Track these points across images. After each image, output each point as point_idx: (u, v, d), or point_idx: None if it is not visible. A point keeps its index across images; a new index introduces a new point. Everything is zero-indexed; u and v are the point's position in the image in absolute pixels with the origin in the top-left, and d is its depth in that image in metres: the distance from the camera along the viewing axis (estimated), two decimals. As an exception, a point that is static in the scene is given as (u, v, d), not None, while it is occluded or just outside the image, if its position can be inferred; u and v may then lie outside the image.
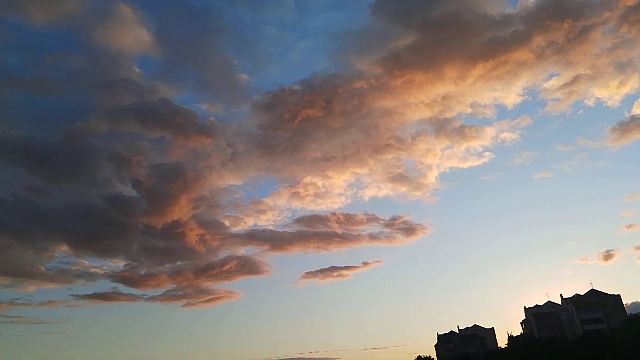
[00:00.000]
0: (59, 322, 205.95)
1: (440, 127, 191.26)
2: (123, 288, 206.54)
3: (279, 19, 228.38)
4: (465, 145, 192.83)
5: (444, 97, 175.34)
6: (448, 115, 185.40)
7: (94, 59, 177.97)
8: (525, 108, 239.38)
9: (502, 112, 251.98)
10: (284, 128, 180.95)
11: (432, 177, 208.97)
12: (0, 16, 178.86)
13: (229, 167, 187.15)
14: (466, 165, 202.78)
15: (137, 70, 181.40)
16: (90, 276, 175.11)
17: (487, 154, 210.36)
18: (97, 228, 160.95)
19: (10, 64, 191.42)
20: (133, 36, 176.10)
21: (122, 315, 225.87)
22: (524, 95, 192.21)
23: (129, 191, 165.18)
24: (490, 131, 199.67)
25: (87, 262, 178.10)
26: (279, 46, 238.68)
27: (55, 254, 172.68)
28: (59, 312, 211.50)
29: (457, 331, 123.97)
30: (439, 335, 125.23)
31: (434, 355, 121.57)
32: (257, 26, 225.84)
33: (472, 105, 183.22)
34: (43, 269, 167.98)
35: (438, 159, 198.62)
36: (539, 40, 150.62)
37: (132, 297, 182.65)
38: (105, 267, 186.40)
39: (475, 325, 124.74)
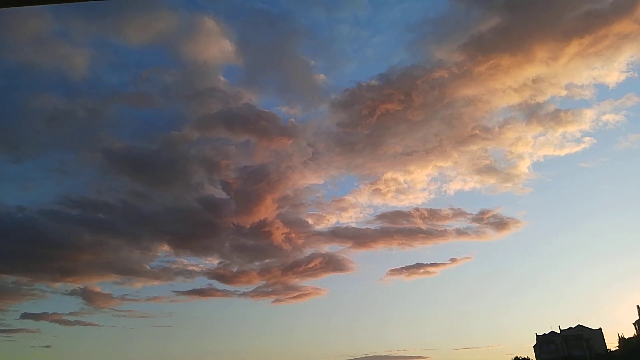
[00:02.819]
0: (164, 316, 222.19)
1: (532, 112, 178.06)
2: (218, 285, 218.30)
3: (352, 16, 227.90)
4: (561, 130, 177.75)
5: (534, 80, 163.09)
6: (540, 99, 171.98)
7: (184, 72, 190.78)
8: (630, 86, 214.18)
9: (603, 92, 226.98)
10: (363, 124, 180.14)
11: (524, 167, 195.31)
12: (103, 39, 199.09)
13: (310, 166, 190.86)
14: (563, 152, 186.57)
15: (222, 79, 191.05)
16: (188, 273, 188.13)
17: (587, 139, 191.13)
18: (193, 229, 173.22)
19: (113, 81, 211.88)
20: (217, 47, 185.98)
21: (218, 310, 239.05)
22: (628, 72, 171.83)
23: (220, 193, 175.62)
24: (589, 114, 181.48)
25: (186, 261, 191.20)
26: (354, 43, 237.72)
27: (158, 254, 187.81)
28: (163, 306, 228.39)
29: (559, 331, 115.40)
30: (538, 336, 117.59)
31: (532, 357, 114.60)
32: (332, 26, 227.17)
33: (568, 86, 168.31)
34: (148, 267, 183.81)
35: (530, 147, 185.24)
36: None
37: (226, 293, 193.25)
38: (201, 265, 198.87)
39: (579, 325, 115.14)
